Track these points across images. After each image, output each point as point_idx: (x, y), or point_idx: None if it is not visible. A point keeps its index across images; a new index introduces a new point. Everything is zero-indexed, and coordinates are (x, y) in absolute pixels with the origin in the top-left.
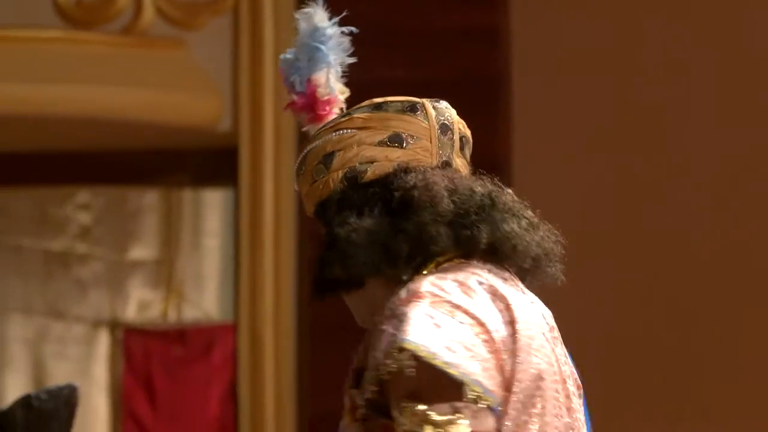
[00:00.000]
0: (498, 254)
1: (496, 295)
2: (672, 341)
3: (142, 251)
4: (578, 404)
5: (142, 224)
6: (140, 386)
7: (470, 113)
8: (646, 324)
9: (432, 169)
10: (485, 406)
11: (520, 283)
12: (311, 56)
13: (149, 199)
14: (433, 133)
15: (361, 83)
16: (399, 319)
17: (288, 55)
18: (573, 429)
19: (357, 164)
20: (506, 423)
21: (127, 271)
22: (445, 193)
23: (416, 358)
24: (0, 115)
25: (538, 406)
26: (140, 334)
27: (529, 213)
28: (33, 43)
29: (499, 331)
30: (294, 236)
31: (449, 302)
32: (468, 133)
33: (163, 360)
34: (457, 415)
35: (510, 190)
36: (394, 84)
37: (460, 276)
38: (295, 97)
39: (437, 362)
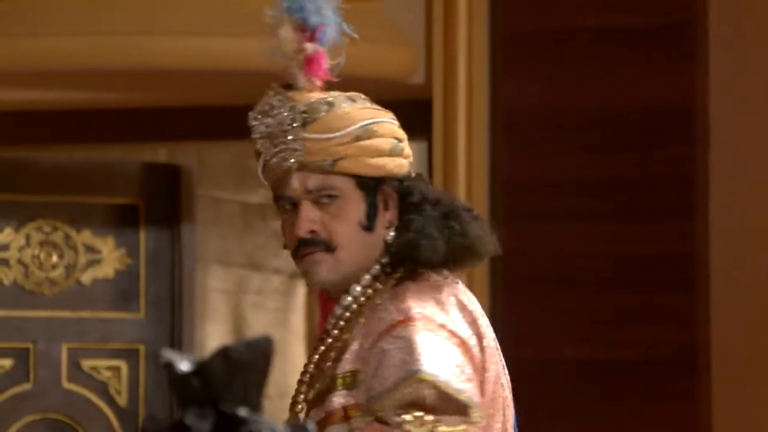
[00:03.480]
0: (465, 258)
1: (464, 309)
2: None
3: None
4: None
5: None
6: None
7: (666, 60)
8: None
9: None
10: (480, 423)
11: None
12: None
13: None
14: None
15: (554, 31)
16: (406, 343)
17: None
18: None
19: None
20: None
21: None
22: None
23: (435, 387)
24: (199, 69)
25: (499, 409)
26: None
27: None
28: None
29: (474, 346)
30: (486, 188)
31: (439, 325)
32: None
33: None
34: (463, 427)
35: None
36: (588, 31)
37: (437, 292)
38: (305, 36)
39: (450, 390)
